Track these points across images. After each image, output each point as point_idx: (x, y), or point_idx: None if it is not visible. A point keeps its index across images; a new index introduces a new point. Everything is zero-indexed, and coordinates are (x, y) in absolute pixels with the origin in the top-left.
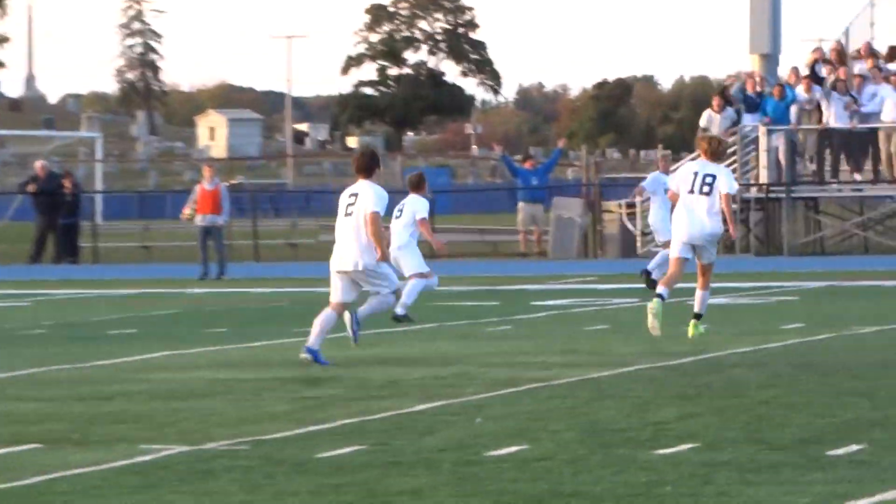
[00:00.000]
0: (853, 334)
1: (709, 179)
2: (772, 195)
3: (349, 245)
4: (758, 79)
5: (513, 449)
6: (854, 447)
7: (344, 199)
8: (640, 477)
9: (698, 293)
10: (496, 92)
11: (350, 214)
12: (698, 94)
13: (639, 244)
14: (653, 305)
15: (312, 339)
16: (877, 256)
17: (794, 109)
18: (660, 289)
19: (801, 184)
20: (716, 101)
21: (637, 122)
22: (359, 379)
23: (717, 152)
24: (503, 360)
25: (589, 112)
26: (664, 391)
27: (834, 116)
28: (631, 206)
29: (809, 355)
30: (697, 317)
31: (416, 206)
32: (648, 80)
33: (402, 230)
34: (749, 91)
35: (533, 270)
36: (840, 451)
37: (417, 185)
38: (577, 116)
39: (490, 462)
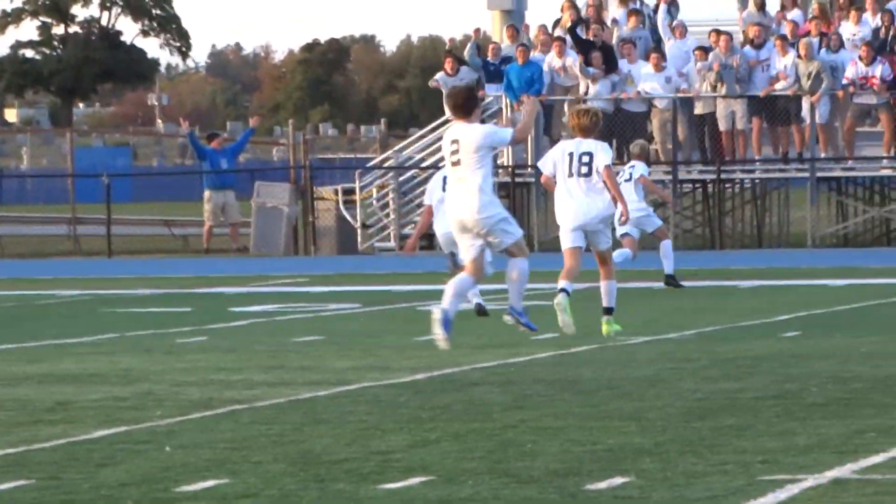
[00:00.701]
0: (618, 345)
1: (586, 158)
2: (519, 179)
3: (461, 195)
4: (507, 40)
5: (209, 483)
6: (619, 479)
7: (446, 146)
8: None
9: (603, 285)
10: (184, 55)
11: (458, 163)
12: (428, 58)
13: (359, 239)
14: (558, 300)
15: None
16: (650, 253)
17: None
18: (561, 283)
19: None
20: (448, 63)
21: (355, 91)
22: (20, 400)
23: (591, 128)
24: (197, 378)
25: (297, 80)
26: (392, 414)
27: (593, 90)
28: (349, 192)
29: (566, 371)
30: (608, 311)
31: None
32: (368, 42)
33: None
34: (490, 57)
35: (232, 270)
36: (602, 485)
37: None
38: (282, 85)
39: (182, 499)
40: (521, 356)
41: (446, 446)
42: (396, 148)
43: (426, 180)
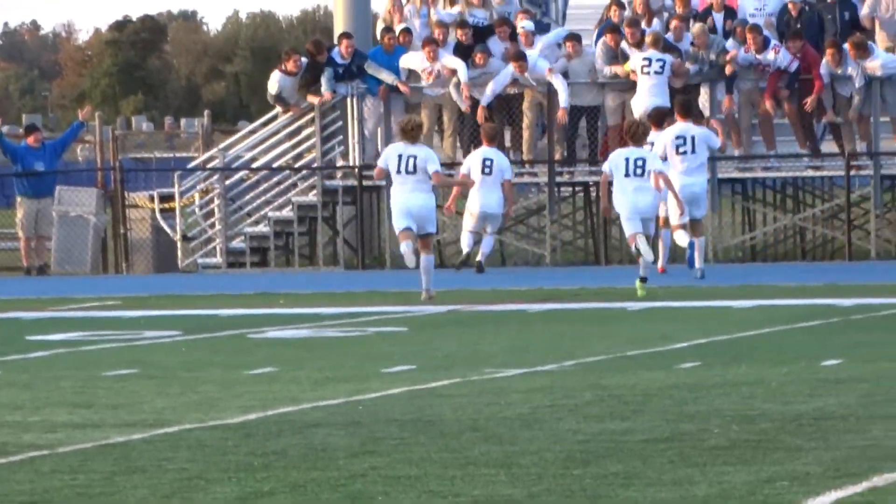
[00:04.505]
0: (485, 379)
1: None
2: (367, 183)
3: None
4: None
5: None
6: None
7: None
8: None
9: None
10: None
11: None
12: (259, 38)
13: (179, 253)
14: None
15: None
16: (522, 270)
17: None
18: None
19: None
20: (291, 61)
21: (174, 78)
22: None
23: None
24: None
25: (105, 64)
26: (218, 461)
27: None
28: (167, 198)
29: (424, 410)
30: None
31: None
32: (189, 19)
33: None
34: (343, 56)
35: (28, 291)
36: None
37: None
38: (88, 71)
39: None
40: (371, 392)
41: (282, 499)
42: (222, 145)
43: (257, 184)
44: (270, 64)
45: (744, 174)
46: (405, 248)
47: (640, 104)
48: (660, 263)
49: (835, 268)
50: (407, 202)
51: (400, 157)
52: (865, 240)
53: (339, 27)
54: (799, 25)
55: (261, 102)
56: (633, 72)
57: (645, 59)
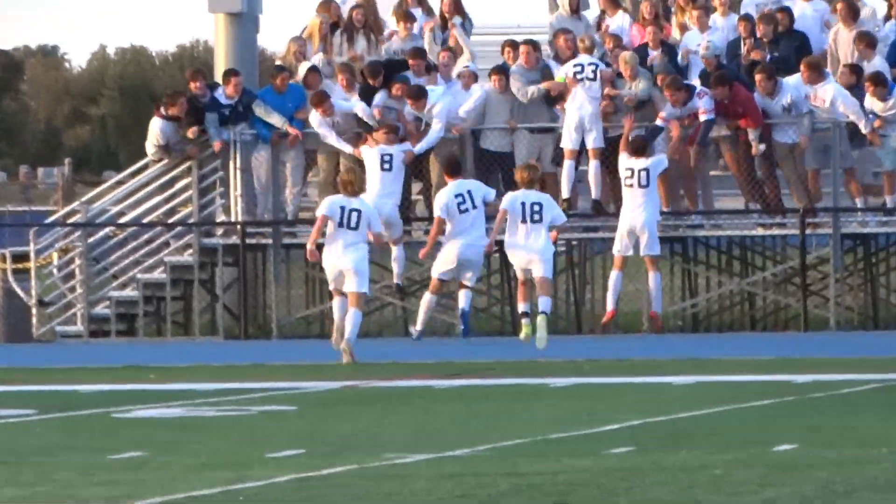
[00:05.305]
0: (388, 466)
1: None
2: (250, 241)
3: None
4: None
5: None
6: None
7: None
8: None
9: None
10: None
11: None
12: (129, 75)
13: (35, 321)
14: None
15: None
16: (428, 340)
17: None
18: None
19: (303, 221)
20: (177, 106)
21: (32, 121)
22: None
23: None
24: None
25: None
26: None
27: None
28: (21, 258)
29: (315, 501)
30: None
31: None
32: (49, 55)
33: None
34: (230, 94)
35: None
36: None
37: None
38: None
39: None
40: (253, 480)
41: None
42: (85, 198)
43: (125, 241)
44: (142, 106)
45: (683, 232)
46: (335, 304)
47: (575, 112)
48: (610, 306)
49: (789, 339)
50: (340, 260)
51: (343, 209)
52: (823, 307)
53: (220, 64)
54: (720, 69)
55: (131, 149)
56: (568, 79)
57: (576, 64)
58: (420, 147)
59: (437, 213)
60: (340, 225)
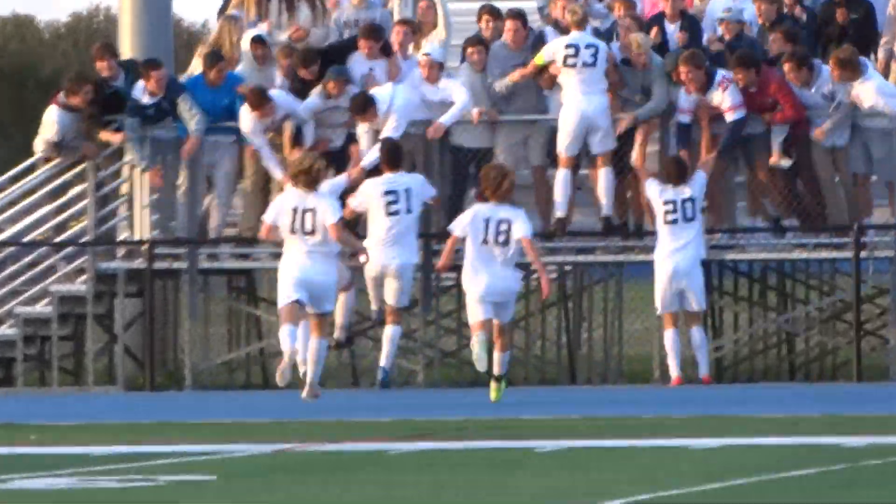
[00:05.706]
0: None
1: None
2: (160, 264)
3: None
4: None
5: None
6: None
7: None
8: None
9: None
10: None
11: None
12: (12, 53)
13: None
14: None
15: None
16: (383, 392)
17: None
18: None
19: (227, 240)
20: (80, 94)
21: None
22: None
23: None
24: None
25: None
26: None
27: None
28: None
29: None
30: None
31: None
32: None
33: None
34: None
35: None
36: None
37: None
38: None
39: None
40: None
41: None
42: None
43: (1, 265)
44: (27, 93)
45: (706, 256)
46: (285, 332)
47: (573, 109)
48: (674, 372)
49: (838, 391)
50: (302, 270)
51: (294, 210)
52: (881, 351)
53: (126, 37)
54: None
55: (11, 147)
56: (551, 65)
57: (569, 45)
58: (447, 118)
59: (352, 204)
60: (293, 231)
